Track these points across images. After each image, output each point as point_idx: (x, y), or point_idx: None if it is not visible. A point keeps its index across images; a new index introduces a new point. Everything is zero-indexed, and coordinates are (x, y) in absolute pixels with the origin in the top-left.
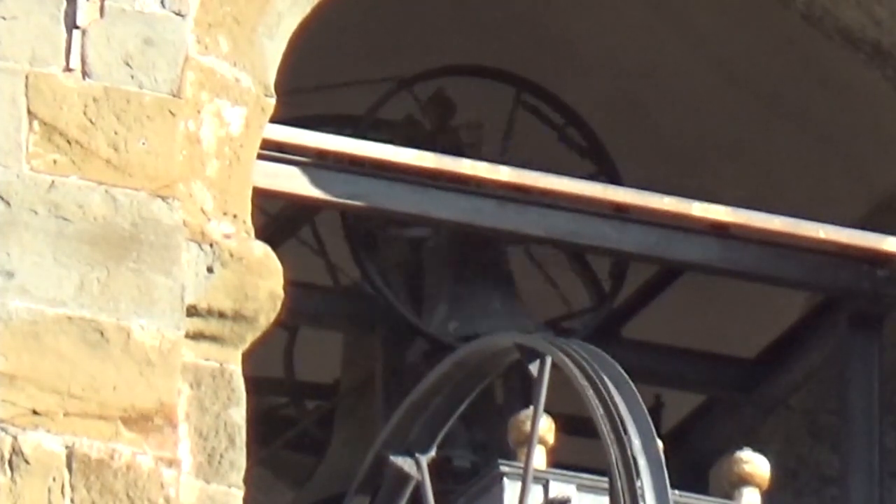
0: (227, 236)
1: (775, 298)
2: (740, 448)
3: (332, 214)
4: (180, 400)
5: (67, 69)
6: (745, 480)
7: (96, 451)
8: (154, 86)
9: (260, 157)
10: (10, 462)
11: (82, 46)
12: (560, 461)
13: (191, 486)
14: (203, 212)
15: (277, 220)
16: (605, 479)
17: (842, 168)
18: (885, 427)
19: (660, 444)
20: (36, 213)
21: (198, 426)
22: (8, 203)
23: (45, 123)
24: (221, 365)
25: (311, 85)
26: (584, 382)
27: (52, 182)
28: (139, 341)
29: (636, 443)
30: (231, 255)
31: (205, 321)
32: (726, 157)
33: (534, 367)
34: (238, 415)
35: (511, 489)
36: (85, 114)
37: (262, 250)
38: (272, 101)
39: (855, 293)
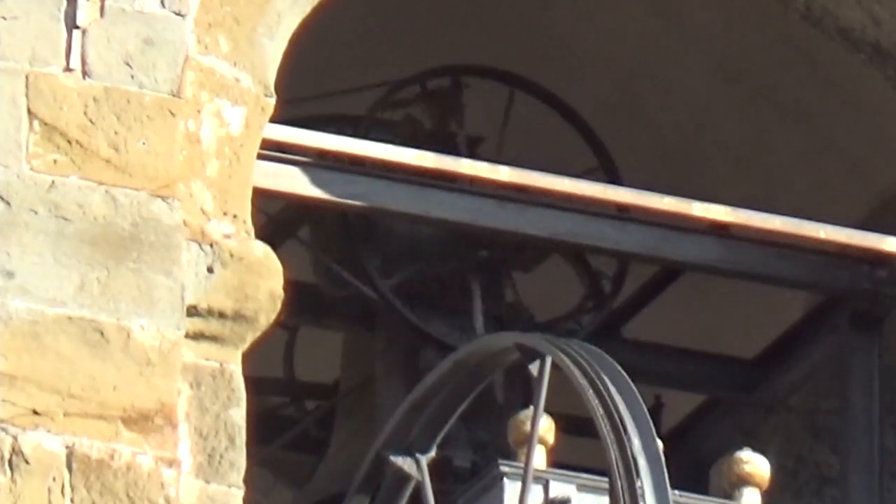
0: (227, 236)
1: (775, 298)
2: (740, 448)
3: (331, 214)
4: (180, 400)
5: (67, 69)
6: (745, 480)
7: (96, 451)
8: (154, 86)
9: (260, 157)
10: (10, 462)
11: (82, 46)
12: (560, 461)
13: (191, 486)
14: (203, 212)
15: (277, 220)
16: (605, 479)
17: (842, 168)
18: (885, 427)
19: (660, 444)
20: (36, 213)
21: (198, 426)
22: (8, 203)
23: (45, 123)
24: (221, 365)
25: (311, 85)
26: (584, 382)
27: (52, 182)
28: (139, 341)
29: (636, 443)
30: (231, 255)
31: (205, 321)
32: (726, 157)
33: (534, 367)
34: (238, 415)
35: (511, 489)
36: (85, 114)
37: (262, 250)
38: (272, 101)
39: (855, 293)
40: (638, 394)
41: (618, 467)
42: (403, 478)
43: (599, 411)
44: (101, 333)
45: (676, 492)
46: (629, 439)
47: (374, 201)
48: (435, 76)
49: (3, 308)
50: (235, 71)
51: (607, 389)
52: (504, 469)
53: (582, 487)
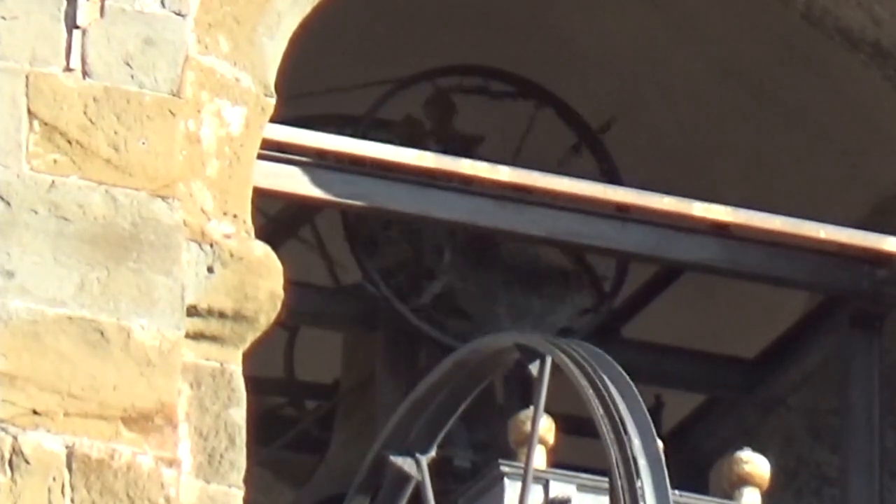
0: (227, 236)
1: (775, 298)
2: (740, 448)
3: (332, 214)
4: (180, 400)
5: (67, 69)
6: (745, 480)
7: (96, 451)
8: (154, 86)
9: (260, 157)
10: (10, 462)
11: (82, 46)
12: (560, 461)
13: (191, 486)
14: (203, 212)
15: (277, 220)
16: (605, 479)
17: (842, 168)
18: (885, 427)
19: (660, 444)
20: (36, 213)
21: (198, 426)
22: (8, 203)
23: (45, 123)
24: (221, 365)
25: (311, 84)
26: (584, 382)
27: (52, 182)
28: (139, 341)
29: (636, 443)
30: (231, 255)
31: (205, 321)
32: (726, 157)
33: (534, 367)
34: (238, 415)
35: (511, 489)
36: (85, 114)
37: (262, 250)
38: (272, 101)
39: (855, 293)
40: (638, 394)
41: (618, 467)
42: (403, 478)
43: (599, 411)
44: (101, 333)
45: (676, 492)
46: (629, 439)
47: (374, 201)
48: (434, 76)
49: (3, 308)
50: (235, 71)
51: (607, 389)
52: (504, 469)
53: (582, 487)
